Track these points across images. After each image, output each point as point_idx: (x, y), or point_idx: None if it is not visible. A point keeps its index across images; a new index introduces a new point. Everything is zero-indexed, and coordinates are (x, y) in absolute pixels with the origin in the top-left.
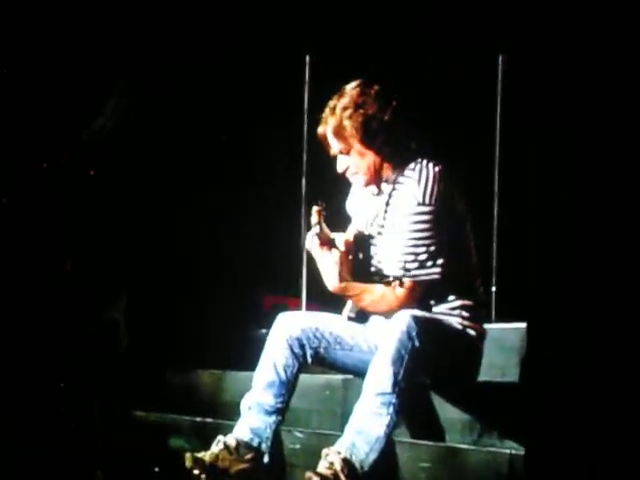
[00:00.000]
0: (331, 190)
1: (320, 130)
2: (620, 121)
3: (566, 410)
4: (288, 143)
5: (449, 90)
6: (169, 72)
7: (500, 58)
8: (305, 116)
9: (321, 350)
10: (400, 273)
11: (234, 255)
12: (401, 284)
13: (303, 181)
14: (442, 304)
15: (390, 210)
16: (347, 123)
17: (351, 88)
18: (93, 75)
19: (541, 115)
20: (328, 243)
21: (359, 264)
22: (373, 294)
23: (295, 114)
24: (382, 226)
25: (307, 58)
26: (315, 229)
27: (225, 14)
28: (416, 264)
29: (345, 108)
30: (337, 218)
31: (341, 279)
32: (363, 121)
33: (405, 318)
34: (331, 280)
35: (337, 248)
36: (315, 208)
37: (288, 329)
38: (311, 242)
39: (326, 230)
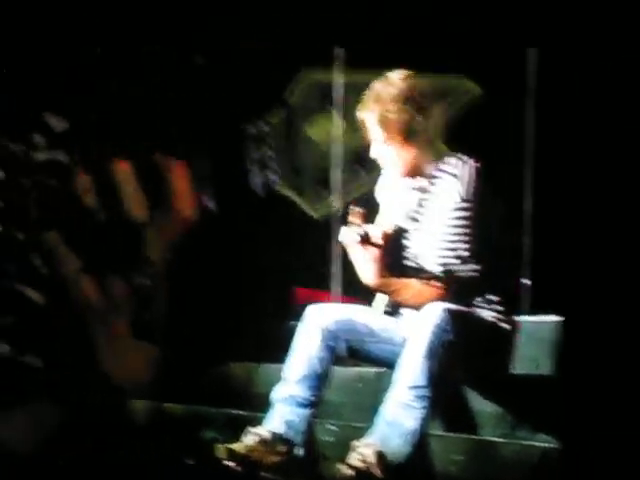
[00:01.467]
0: (357, 180)
1: (361, 114)
2: None
3: (604, 405)
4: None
5: (481, 85)
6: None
7: (529, 52)
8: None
9: (354, 342)
10: (440, 269)
11: (266, 248)
12: (441, 280)
13: (331, 174)
14: (475, 297)
15: (428, 205)
16: (393, 117)
17: (400, 79)
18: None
19: (575, 108)
20: (367, 240)
21: (394, 258)
22: (411, 289)
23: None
24: (418, 221)
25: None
26: (358, 230)
27: None
28: (457, 260)
29: (393, 100)
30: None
31: (380, 275)
32: (409, 117)
33: (438, 311)
34: (369, 276)
35: (375, 245)
36: (357, 210)
37: (321, 321)
38: (350, 239)
39: (367, 230)
